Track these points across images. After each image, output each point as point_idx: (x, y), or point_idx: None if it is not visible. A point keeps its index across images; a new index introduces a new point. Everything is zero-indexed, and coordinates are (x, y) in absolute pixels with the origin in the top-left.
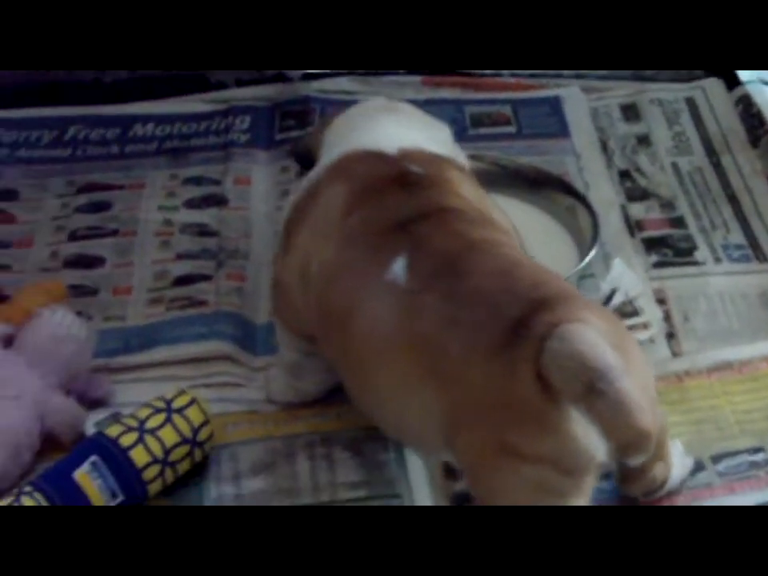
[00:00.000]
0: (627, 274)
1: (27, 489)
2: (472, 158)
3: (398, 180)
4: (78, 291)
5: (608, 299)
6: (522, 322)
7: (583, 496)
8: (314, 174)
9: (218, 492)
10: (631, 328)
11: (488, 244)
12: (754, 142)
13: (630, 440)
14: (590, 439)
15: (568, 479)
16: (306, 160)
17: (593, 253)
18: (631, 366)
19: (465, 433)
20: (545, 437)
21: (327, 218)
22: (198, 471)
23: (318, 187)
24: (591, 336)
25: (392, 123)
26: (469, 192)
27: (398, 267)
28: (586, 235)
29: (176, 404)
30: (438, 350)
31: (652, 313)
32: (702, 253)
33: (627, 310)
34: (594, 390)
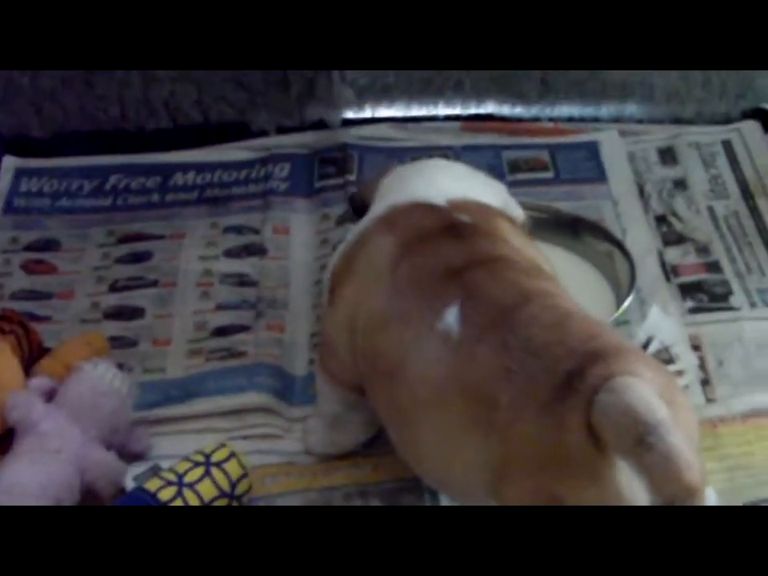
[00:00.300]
0: (664, 321)
1: None
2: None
3: (447, 230)
4: (118, 343)
5: (644, 347)
6: (574, 375)
7: None
8: (362, 224)
9: None
10: None
11: (541, 295)
12: None
13: (677, 494)
14: (634, 492)
15: None
16: (361, 210)
17: (629, 300)
18: (680, 420)
19: (512, 484)
20: (591, 488)
21: (376, 268)
22: None
23: (366, 237)
24: (643, 390)
25: (443, 176)
26: (517, 241)
27: (451, 316)
28: (623, 281)
29: (215, 458)
30: (488, 400)
31: (688, 360)
32: (737, 298)
33: (663, 357)
34: (643, 444)
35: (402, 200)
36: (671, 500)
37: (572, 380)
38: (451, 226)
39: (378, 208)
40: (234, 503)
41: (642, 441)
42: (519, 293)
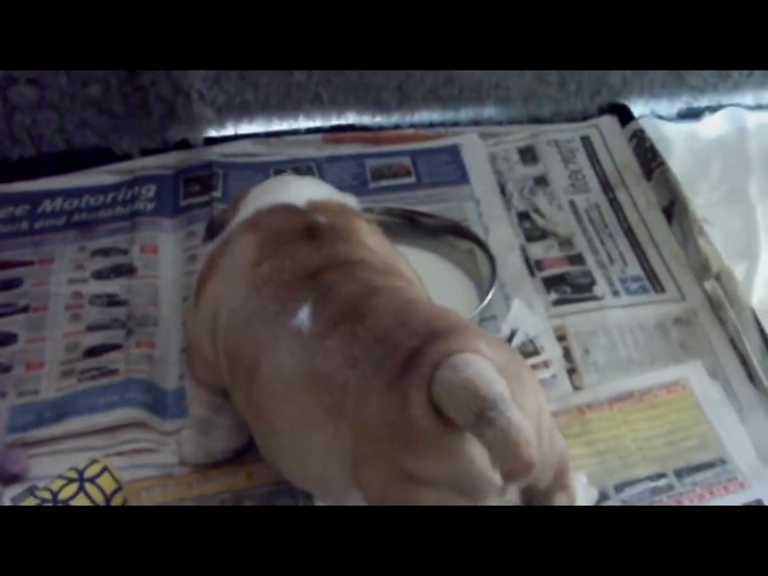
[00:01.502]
0: (526, 314)
1: None
2: (366, 210)
3: (305, 231)
4: None
5: (509, 340)
6: (416, 353)
7: None
8: (228, 228)
9: None
10: (533, 367)
11: (389, 288)
12: (648, 175)
13: (515, 469)
14: (486, 462)
15: (468, 501)
16: (216, 231)
17: (491, 295)
18: (525, 396)
19: (367, 468)
20: (441, 460)
21: (237, 267)
22: None
23: (230, 238)
24: (482, 365)
25: (303, 183)
26: (375, 243)
27: (303, 314)
28: (486, 278)
29: (88, 473)
30: (338, 389)
31: (553, 350)
32: (600, 287)
33: (528, 350)
34: (484, 419)
35: (264, 204)
36: (509, 473)
37: (413, 358)
38: (309, 226)
39: (243, 214)
40: None
41: (482, 416)
42: (368, 289)
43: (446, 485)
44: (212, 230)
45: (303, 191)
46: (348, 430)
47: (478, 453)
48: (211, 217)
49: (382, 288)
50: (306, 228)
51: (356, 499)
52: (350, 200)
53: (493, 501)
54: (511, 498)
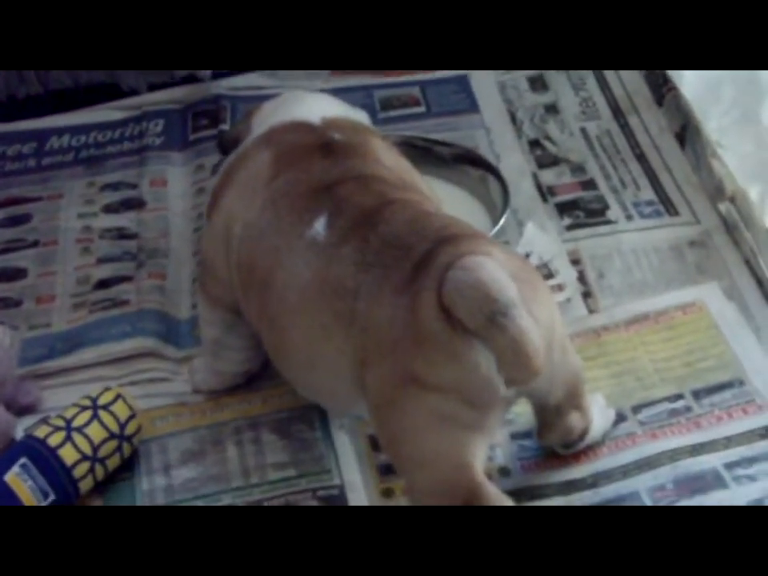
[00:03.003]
0: (540, 237)
1: None
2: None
3: (321, 147)
4: (2, 304)
5: None
6: (428, 256)
7: (488, 432)
8: (243, 145)
9: (150, 484)
10: None
11: (404, 200)
12: (659, 100)
13: (521, 377)
14: (493, 370)
15: (473, 410)
16: (230, 147)
17: (503, 219)
18: (538, 304)
19: (373, 370)
20: (448, 365)
21: (253, 180)
22: (129, 466)
23: (245, 154)
24: (494, 268)
25: (317, 100)
26: (390, 160)
27: (319, 225)
28: (499, 204)
29: (101, 401)
30: (350, 293)
31: (567, 273)
32: (613, 212)
33: (542, 273)
34: (494, 323)
35: (279, 121)
36: (515, 381)
37: (425, 261)
38: (325, 143)
39: (257, 131)
40: (125, 444)
41: (493, 319)
42: (383, 199)
43: (452, 391)
44: (224, 146)
45: (318, 108)
46: (357, 334)
47: (485, 360)
48: (222, 132)
49: (396, 199)
50: (322, 145)
51: (361, 409)
52: (363, 116)
53: (499, 411)
54: (517, 413)
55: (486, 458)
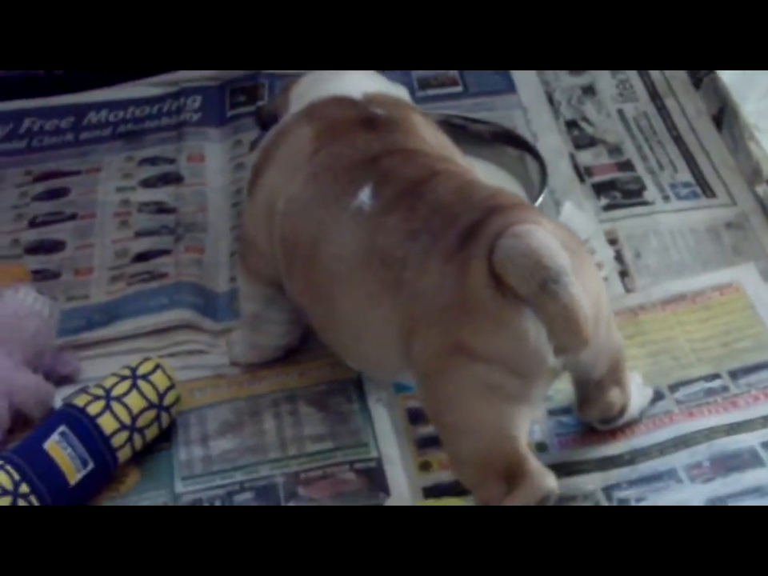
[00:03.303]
0: (577, 215)
1: None
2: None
3: (363, 122)
4: (41, 276)
5: None
6: (476, 225)
7: (532, 404)
8: (282, 121)
9: (188, 455)
10: None
11: (449, 171)
12: (696, 83)
13: (572, 345)
14: (541, 340)
15: (519, 381)
16: (268, 121)
17: (541, 198)
18: (586, 275)
19: (420, 338)
20: (497, 334)
21: (295, 156)
22: (167, 437)
23: (286, 130)
24: (545, 235)
25: (357, 75)
26: (431, 136)
27: (364, 195)
28: (536, 184)
29: (141, 371)
30: (397, 262)
31: (604, 252)
32: (650, 193)
33: None
34: (547, 291)
35: (319, 95)
36: (563, 349)
37: (474, 229)
38: (367, 118)
39: (296, 107)
40: (164, 414)
41: (545, 286)
42: (428, 171)
43: (499, 361)
44: (262, 121)
45: (358, 83)
46: (405, 302)
47: (533, 330)
48: (260, 107)
49: (441, 170)
50: (364, 119)
51: (408, 378)
52: (403, 92)
53: (544, 383)
54: (556, 389)
55: (528, 432)
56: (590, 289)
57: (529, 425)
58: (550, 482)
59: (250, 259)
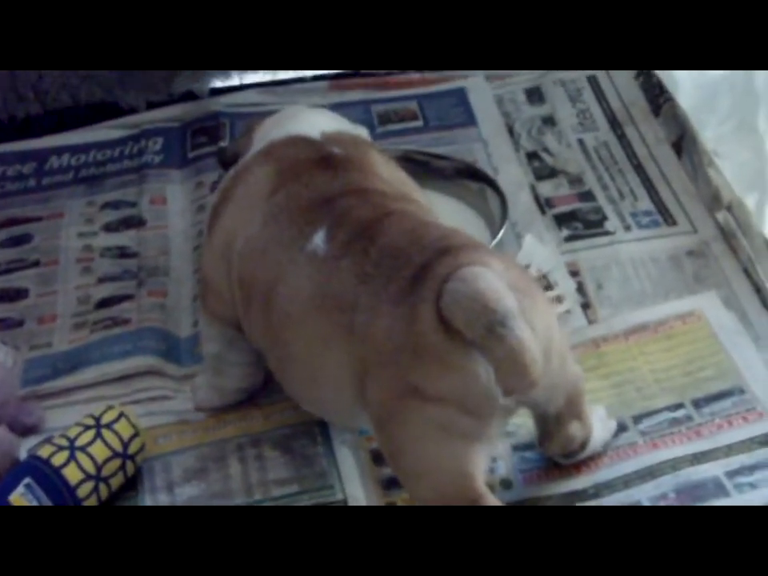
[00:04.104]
0: (539, 249)
1: None
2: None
3: (321, 161)
4: (4, 324)
5: None
6: (426, 267)
7: (488, 442)
8: (241, 161)
9: (153, 503)
10: None
11: (402, 211)
12: (656, 111)
13: (519, 387)
14: (492, 380)
15: (472, 420)
16: (230, 162)
17: (502, 232)
18: (535, 314)
19: (373, 382)
20: (447, 375)
21: (253, 195)
22: (132, 485)
23: (245, 170)
24: (492, 278)
25: (317, 115)
26: (389, 174)
27: (319, 238)
28: (497, 217)
29: (104, 420)
30: (349, 306)
31: (566, 285)
32: (611, 222)
33: (542, 284)
34: (493, 333)
35: (278, 135)
36: (513, 391)
37: (423, 272)
38: (324, 157)
39: (257, 146)
40: (129, 462)
41: (491, 330)
42: (382, 211)
43: (452, 402)
44: (224, 162)
45: (317, 123)
46: (357, 346)
47: (483, 371)
48: (222, 148)
49: (395, 210)
50: (322, 158)
51: (363, 421)
52: (362, 131)
53: (498, 421)
54: (518, 424)
55: (487, 469)
56: (540, 326)
57: (486, 462)
58: None
59: (210, 300)
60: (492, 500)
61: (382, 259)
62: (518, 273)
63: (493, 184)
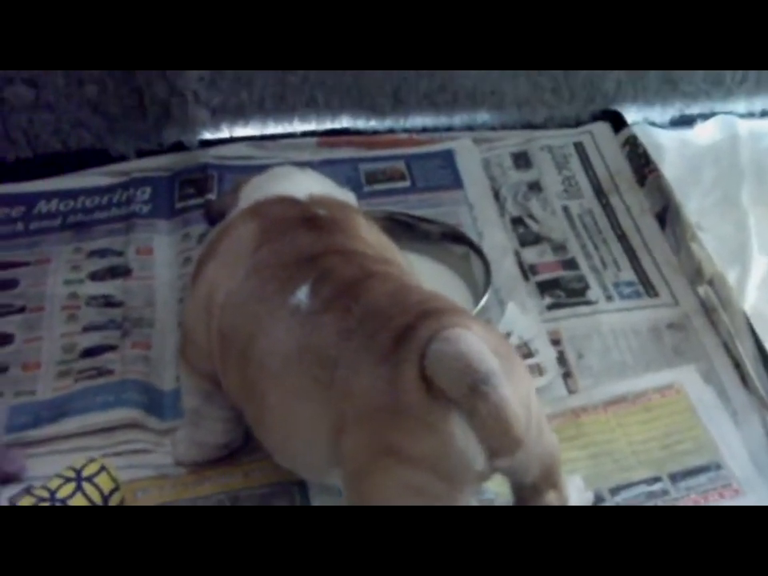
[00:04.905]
0: (520, 317)
1: None
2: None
3: (306, 221)
4: None
5: None
6: (409, 328)
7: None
8: (228, 218)
9: None
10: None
11: (386, 273)
12: (641, 181)
13: (504, 445)
14: (469, 445)
15: (445, 485)
16: (217, 217)
17: (485, 299)
18: (515, 379)
19: (349, 438)
20: (425, 437)
21: (237, 250)
22: None
23: (231, 226)
24: (474, 340)
25: (304, 177)
26: (373, 238)
27: (302, 293)
28: (481, 283)
29: (86, 472)
30: (330, 361)
31: (546, 353)
32: (594, 292)
33: (523, 352)
34: (477, 392)
35: (265, 194)
36: (498, 451)
37: (406, 333)
38: (310, 217)
39: (244, 202)
40: None
41: (475, 388)
42: (366, 271)
43: (427, 465)
44: (211, 217)
45: (305, 184)
46: (336, 401)
47: (461, 434)
48: (209, 201)
49: (378, 272)
50: (307, 219)
51: (334, 478)
52: (350, 197)
53: (470, 487)
54: (496, 492)
55: None
56: (519, 392)
57: None
58: None
59: (189, 352)
60: None
61: (364, 317)
62: (498, 338)
63: (477, 249)
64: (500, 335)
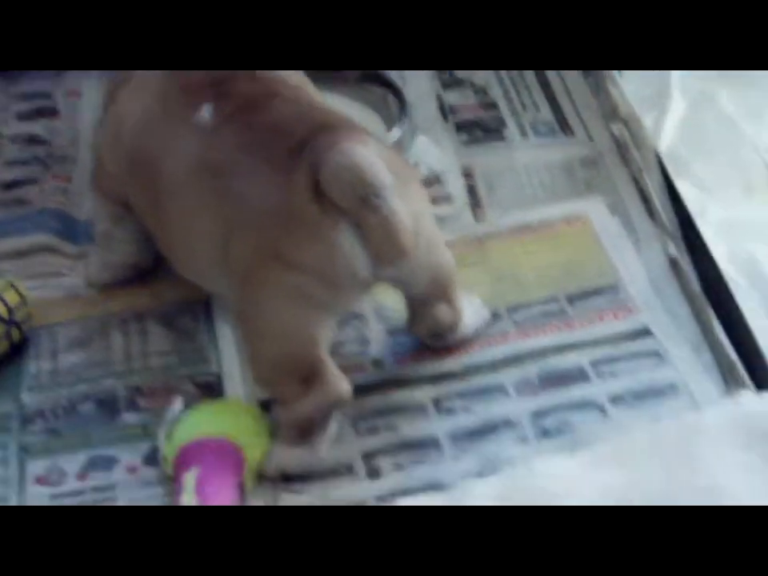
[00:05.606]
0: (431, 149)
1: None
2: None
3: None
4: None
5: None
6: (306, 140)
7: (339, 312)
8: None
9: (36, 368)
10: (435, 200)
11: (291, 94)
12: None
13: (391, 255)
14: (355, 253)
15: (329, 291)
16: None
17: (398, 131)
18: (407, 196)
19: (238, 242)
20: (312, 245)
21: (147, 79)
22: (18, 352)
23: None
24: (370, 154)
25: None
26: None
27: (206, 110)
28: (396, 119)
29: None
30: (226, 172)
31: (456, 185)
32: (510, 131)
33: (431, 182)
34: (368, 204)
35: None
36: (382, 260)
37: (302, 144)
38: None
39: None
40: (14, 329)
41: (366, 200)
42: (271, 91)
43: (312, 271)
44: None
45: None
46: (229, 208)
47: (347, 242)
48: None
49: (285, 93)
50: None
51: (224, 285)
52: None
53: (353, 295)
54: (394, 309)
55: (331, 338)
56: (411, 208)
57: (332, 332)
58: (344, 386)
59: (101, 179)
60: (331, 367)
61: (264, 132)
62: (395, 158)
63: (395, 88)
64: (400, 157)
